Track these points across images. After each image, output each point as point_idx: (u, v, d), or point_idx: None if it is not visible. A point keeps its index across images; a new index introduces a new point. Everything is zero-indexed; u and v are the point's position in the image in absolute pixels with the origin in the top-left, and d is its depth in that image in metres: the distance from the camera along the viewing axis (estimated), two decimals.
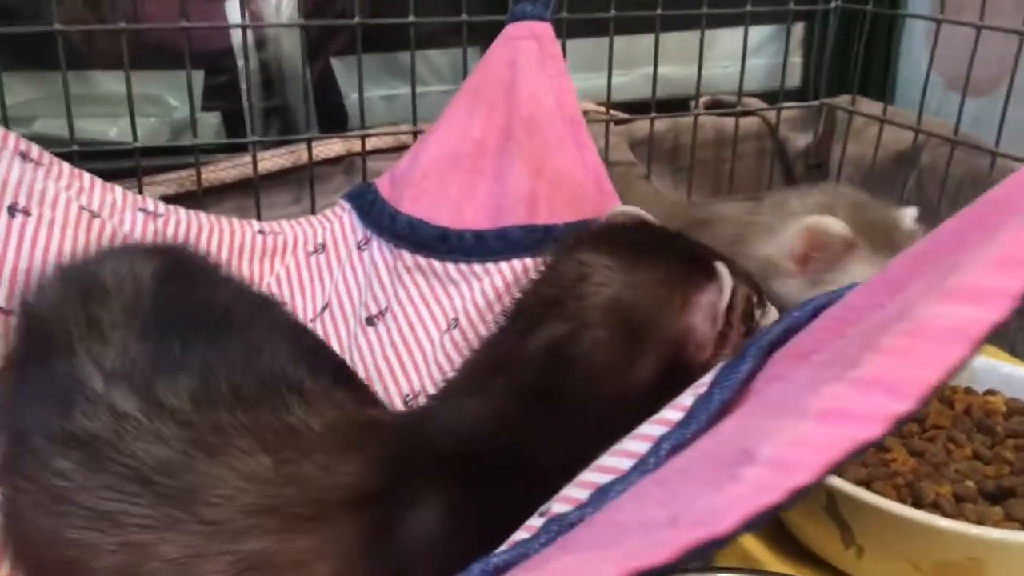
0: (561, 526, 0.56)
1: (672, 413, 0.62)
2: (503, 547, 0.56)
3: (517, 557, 0.55)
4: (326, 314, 1.10)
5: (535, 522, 0.66)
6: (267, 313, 0.90)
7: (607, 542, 0.41)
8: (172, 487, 0.62)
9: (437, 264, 1.05)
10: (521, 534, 0.65)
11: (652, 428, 0.62)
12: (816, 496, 0.78)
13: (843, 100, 1.56)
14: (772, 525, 0.86)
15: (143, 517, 0.61)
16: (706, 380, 0.62)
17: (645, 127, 1.46)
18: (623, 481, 0.56)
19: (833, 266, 1.01)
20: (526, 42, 1.13)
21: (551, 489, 0.61)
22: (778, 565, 0.83)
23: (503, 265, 1.02)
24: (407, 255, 1.07)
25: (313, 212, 1.32)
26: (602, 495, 0.57)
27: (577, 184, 1.05)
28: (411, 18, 1.27)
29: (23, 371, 0.75)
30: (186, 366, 0.69)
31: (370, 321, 1.05)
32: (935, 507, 0.80)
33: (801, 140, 1.58)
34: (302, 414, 0.68)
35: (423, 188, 1.10)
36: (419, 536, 0.65)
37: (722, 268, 0.73)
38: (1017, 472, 0.83)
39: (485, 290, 1.01)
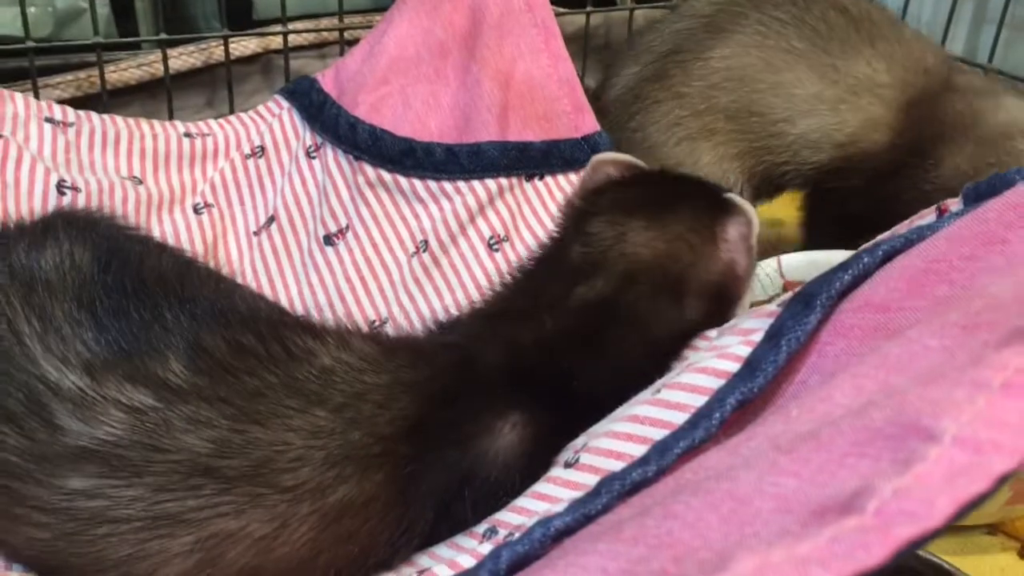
0: (623, 485, 0.53)
1: (722, 363, 0.59)
2: (561, 510, 0.53)
3: (579, 520, 0.52)
4: (273, 227, 1.01)
5: (564, 474, 0.64)
6: (204, 270, 0.85)
7: (743, 521, 0.38)
8: (240, 466, 0.59)
9: (403, 180, 0.97)
10: (557, 489, 0.63)
11: (701, 379, 0.59)
12: None
13: None
14: None
15: (218, 506, 0.58)
16: (755, 326, 0.59)
17: (575, 22, 1.39)
18: (687, 437, 0.54)
19: None
20: None
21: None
22: None
23: (476, 184, 0.96)
24: (368, 168, 0.98)
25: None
26: (665, 450, 0.54)
27: (550, 98, 0.98)
28: None
29: None
30: (166, 341, 0.64)
31: (328, 240, 0.97)
32: None
33: None
34: (330, 352, 0.66)
35: (382, 94, 1.01)
36: (479, 457, 0.67)
37: (739, 199, 0.75)
38: None
39: (457, 210, 0.94)
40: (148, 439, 0.58)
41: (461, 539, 0.66)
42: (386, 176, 0.97)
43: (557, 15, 1.35)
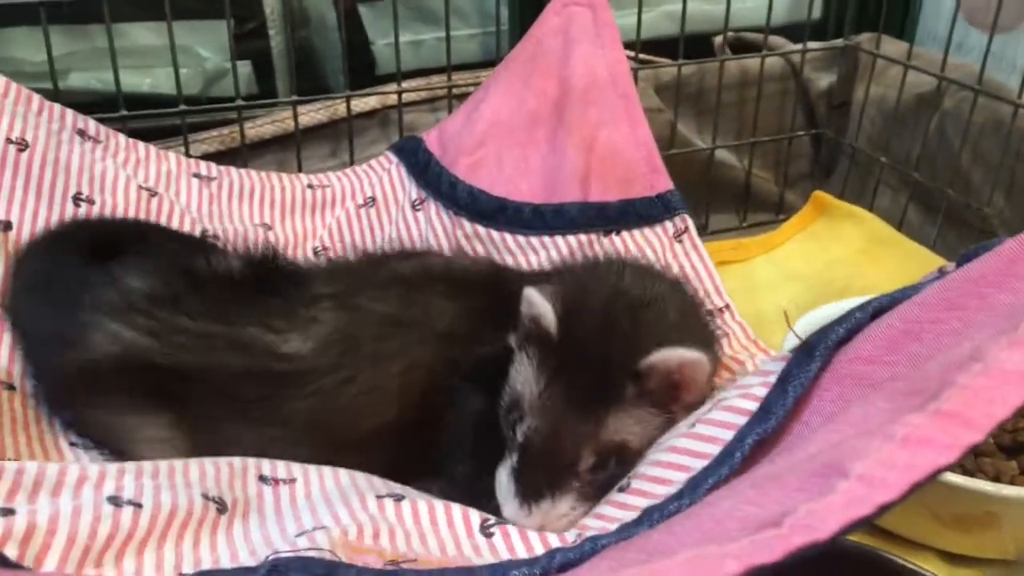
0: (661, 514, 0.64)
1: (744, 402, 0.69)
2: (611, 530, 0.65)
3: (621, 538, 0.63)
4: None
5: (618, 496, 0.74)
6: None
7: (712, 535, 0.48)
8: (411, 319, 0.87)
9: (496, 234, 1.09)
10: (612, 510, 0.73)
11: (728, 416, 0.70)
12: None
13: (866, 38, 1.57)
14: None
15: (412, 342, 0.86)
16: (772, 369, 0.69)
17: (670, 71, 1.47)
18: (714, 474, 0.64)
19: None
20: (580, 10, 1.15)
21: None
22: None
23: (559, 239, 1.08)
24: (466, 223, 1.11)
25: (352, 164, 1.34)
26: (696, 486, 0.65)
27: (629, 161, 1.09)
28: None
29: None
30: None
31: None
32: (956, 464, 0.87)
33: (823, 80, 1.60)
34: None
35: (479, 157, 1.13)
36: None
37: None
38: None
39: (542, 262, 1.06)
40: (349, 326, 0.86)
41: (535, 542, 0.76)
42: (481, 230, 1.10)
43: (652, 65, 1.45)
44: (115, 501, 0.68)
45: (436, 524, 0.72)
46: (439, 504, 0.74)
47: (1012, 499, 0.79)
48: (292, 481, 0.77)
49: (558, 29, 1.16)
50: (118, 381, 0.83)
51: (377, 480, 0.79)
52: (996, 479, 0.85)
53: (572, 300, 0.80)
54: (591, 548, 0.64)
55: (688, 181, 1.49)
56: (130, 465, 0.74)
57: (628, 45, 1.43)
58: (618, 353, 0.76)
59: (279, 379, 0.83)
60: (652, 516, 0.65)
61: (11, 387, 0.87)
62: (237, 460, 0.78)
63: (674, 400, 0.77)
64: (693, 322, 0.86)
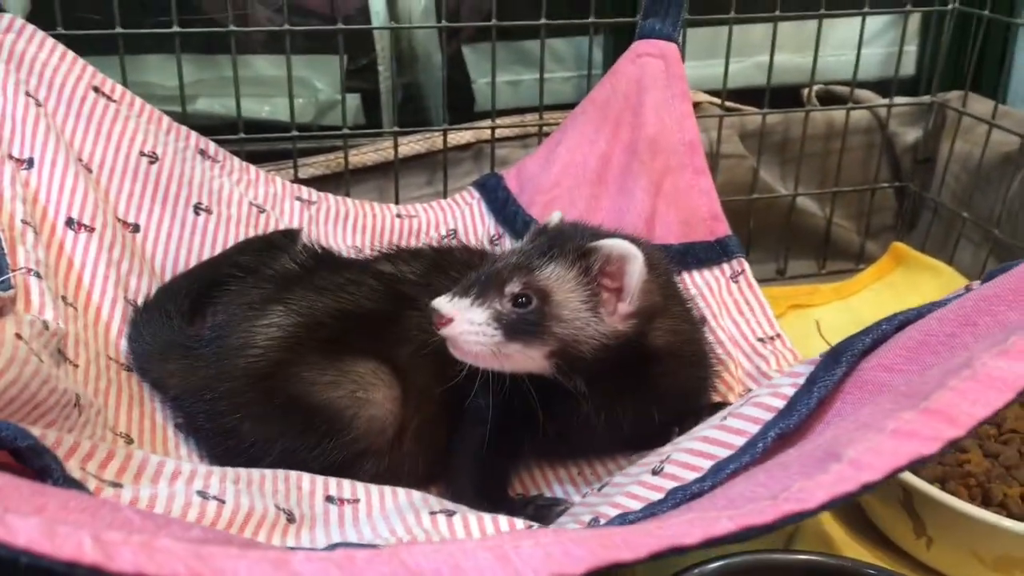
0: (685, 495, 0.71)
1: (773, 400, 0.75)
2: (637, 509, 0.72)
3: (647, 515, 0.71)
4: None
5: (651, 479, 0.82)
6: None
7: (721, 507, 0.55)
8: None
9: None
10: (644, 491, 0.80)
11: (756, 411, 0.76)
12: (894, 491, 0.89)
13: (954, 96, 1.58)
14: (852, 513, 0.98)
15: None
16: (801, 371, 0.75)
17: (756, 119, 1.52)
18: (736, 461, 0.71)
19: None
20: (653, 60, 1.22)
21: None
22: (854, 547, 0.95)
23: None
24: None
25: (445, 194, 1.45)
26: (719, 471, 0.71)
27: (692, 207, 1.16)
28: (542, 20, 1.37)
29: None
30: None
31: None
32: (1002, 507, 0.90)
33: (910, 135, 1.62)
34: None
35: (553, 196, 1.22)
36: None
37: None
38: None
39: None
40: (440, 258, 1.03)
41: (568, 525, 0.83)
42: None
43: (738, 113, 1.51)
44: (203, 495, 0.78)
45: (484, 533, 0.81)
46: (487, 516, 0.82)
47: None
48: (356, 501, 0.85)
49: (631, 77, 1.23)
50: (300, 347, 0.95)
51: (432, 498, 0.88)
52: None
53: (575, 225, 0.97)
54: (619, 523, 0.71)
55: (769, 226, 1.55)
56: (216, 469, 0.84)
57: (715, 93, 1.51)
58: (580, 240, 0.90)
59: (400, 298, 0.97)
60: (676, 495, 0.72)
61: (129, 369, 0.99)
62: (306, 482, 0.86)
63: (606, 287, 0.88)
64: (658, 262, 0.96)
